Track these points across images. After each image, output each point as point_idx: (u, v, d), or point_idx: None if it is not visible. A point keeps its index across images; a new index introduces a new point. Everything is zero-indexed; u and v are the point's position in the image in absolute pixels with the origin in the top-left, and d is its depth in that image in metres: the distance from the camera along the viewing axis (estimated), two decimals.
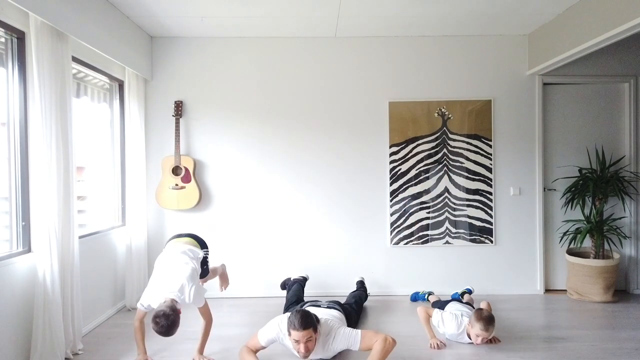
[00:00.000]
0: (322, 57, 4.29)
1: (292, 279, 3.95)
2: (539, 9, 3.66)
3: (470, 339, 2.96)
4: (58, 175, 2.78)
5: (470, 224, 4.29)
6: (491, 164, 4.30)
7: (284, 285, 3.96)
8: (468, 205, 4.29)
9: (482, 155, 4.29)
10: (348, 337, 2.69)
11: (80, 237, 3.09)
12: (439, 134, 4.28)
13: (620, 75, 4.30)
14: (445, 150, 4.28)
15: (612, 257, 4.07)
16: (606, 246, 4.10)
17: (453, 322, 3.01)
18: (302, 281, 3.88)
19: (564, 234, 4.20)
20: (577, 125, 4.35)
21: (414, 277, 4.26)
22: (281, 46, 4.27)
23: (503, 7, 3.63)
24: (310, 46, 4.28)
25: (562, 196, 4.30)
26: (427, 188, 4.28)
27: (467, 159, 4.29)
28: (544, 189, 4.34)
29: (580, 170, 4.22)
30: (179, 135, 4.11)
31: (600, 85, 4.35)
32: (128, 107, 3.89)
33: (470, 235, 4.30)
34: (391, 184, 4.29)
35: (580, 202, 4.12)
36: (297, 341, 2.52)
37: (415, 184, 4.29)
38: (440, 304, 3.39)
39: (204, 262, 3.10)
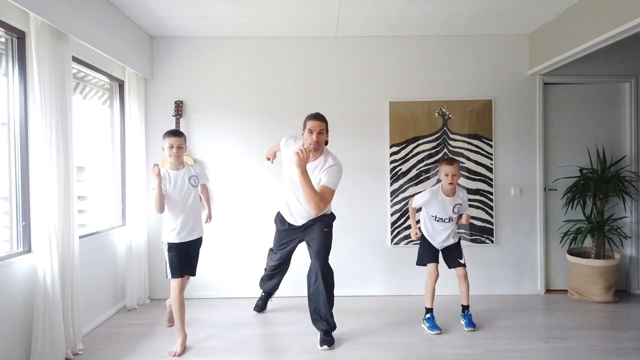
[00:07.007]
0: (322, 57, 4.28)
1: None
2: (540, 9, 3.66)
3: (444, 194, 3.37)
4: (58, 175, 2.77)
5: (471, 224, 4.28)
6: (492, 164, 4.29)
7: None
8: (469, 205, 4.27)
9: (482, 155, 4.29)
10: (331, 175, 2.99)
11: (80, 237, 3.09)
12: (439, 133, 4.28)
13: (621, 75, 4.29)
14: (445, 150, 4.28)
15: (613, 257, 4.07)
16: (607, 246, 4.10)
17: (427, 192, 3.42)
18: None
19: (565, 234, 4.19)
20: (578, 125, 4.35)
21: (414, 278, 4.25)
22: (281, 46, 4.27)
23: (503, 7, 3.62)
24: (310, 46, 4.28)
25: (563, 196, 4.30)
26: (427, 188, 4.26)
27: (468, 159, 4.28)
28: (545, 188, 4.33)
29: (581, 170, 4.21)
30: None
31: (601, 85, 4.35)
32: (128, 107, 3.89)
33: (471, 235, 4.30)
34: (391, 184, 4.28)
35: (581, 202, 4.12)
36: (310, 131, 2.99)
37: (416, 184, 4.28)
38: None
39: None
